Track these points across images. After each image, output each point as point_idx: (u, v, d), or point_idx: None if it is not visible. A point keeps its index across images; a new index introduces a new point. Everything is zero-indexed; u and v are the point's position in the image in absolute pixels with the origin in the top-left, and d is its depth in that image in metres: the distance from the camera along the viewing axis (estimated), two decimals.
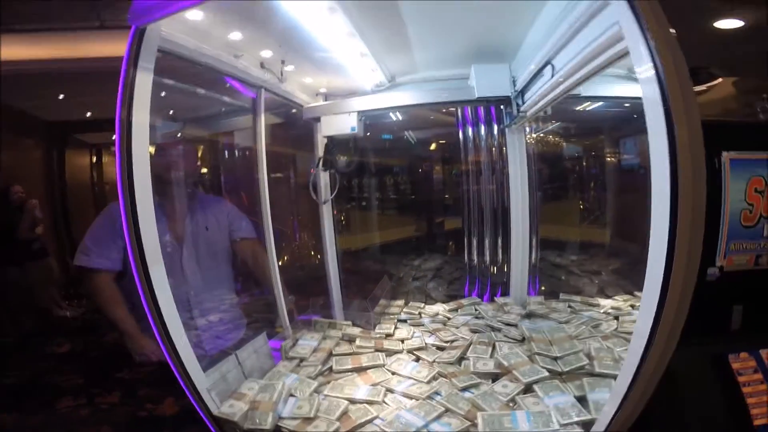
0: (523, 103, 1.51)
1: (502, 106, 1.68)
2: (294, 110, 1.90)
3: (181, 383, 1.20)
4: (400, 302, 1.98)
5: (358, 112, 1.74)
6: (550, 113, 1.65)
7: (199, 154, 1.92)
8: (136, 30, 1.03)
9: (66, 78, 3.76)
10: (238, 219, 1.98)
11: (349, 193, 2.10)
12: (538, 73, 1.23)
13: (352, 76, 1.66)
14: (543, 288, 1.99)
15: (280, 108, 2.01)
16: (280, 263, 2.62)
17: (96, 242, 1.69)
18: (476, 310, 1.82)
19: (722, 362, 1.00)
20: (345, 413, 1.19)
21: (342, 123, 1.75)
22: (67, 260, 5.81)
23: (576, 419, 1.04)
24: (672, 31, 0.64)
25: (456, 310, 1.86)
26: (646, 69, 0.66)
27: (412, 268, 2.37)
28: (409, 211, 2.74)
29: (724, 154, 1.01)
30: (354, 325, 1.72)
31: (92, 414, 2.71)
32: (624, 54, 0.75)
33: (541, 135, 2.43)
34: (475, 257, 2.08)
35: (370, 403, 1.24)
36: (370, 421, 1.16)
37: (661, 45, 0.63)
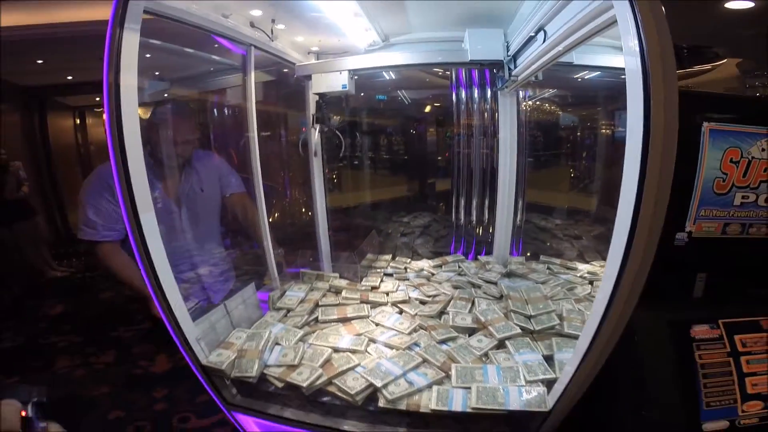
0: (515, 67, 1.49)
1: (495, 70, 1.65)
2: (286, 69, 1.86)
3: (172, 334, 1.25)
4: (388, 257, 2.04)
5: (350, 71, 1.72)
6: (541, 78, 1.64)
7: (193, 116, 1.87)
8: None
9: (44, 44, 3.63)
10: (228, 174, 1.98)
11: (340, 151, 2.08)
12: (531, 39, 1.20)
13: (345, 35, 1.62)
14: (527, 250, 2.06)
15: (272, 66, 1.95)
16: (271, 219, 2.66)
17: (98, 214, 1.68)
18: (459, 267, 1.88)
19: (683, 330, 1.06)
20: (328, 361, 1.27)
21: (333, 81, 1.74)
22: (56, 219, 5.81)
23: (541, 377, 1.13)
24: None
25: (440, 266, 1.93)
26: (630, 38, 0.65)
27: (401, 224, 2.41)
28: (401, 171, 2.75)
29: (705, 124, 1.02)
30: (341, 277, 1.78)
31: (89, 374, 2.77)
32: (612, 22, 0.73)
33: (537, 102, 2.40)
34: (462, 217, 2.13)
35: (353, 352, 1.32)
36: (351, 369, 1.24)
37: (645, 16, 0.61)
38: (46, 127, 5.93)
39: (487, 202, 2.04)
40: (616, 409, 1.08)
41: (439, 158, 2.62)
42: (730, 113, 1.03)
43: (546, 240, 2.12)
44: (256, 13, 1.41)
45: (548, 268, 1.81)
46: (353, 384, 1.18)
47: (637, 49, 0.65)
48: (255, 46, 1.52)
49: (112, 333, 3.20)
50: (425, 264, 1.94)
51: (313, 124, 1.91)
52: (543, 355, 1.23)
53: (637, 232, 0.74)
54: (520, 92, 1.90)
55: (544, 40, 1.07)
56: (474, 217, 2.10)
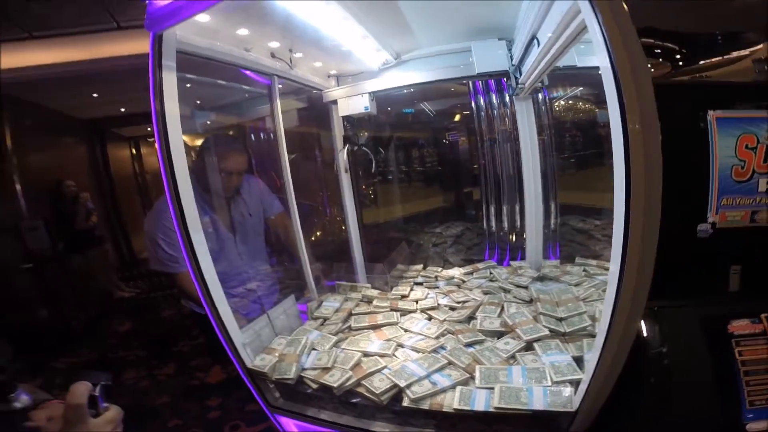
0: (521, 75, 1.52)
1: (504, 79, 1.69)
2: (316, 92, 2.01)
3: (222, 340, 1.40)
4: (419, 267, 2.09)
5: (370, 93, 1.85)
6: (547, 83, 1.65)
7: (243, 148, 2.06)
8: (155, 36, 1.16)
9: (93, 78, 3.98)
10: (269, 197, 2.17)
11: (372, 167, 2.19)
12: (528, 47, 1.23)
13: (358, 57, 1.74)
14: (565, 253, 2.00)
15: (300, 92, 2.13)
16: (312, 237, 2.81)
17: (174, 247, 1.84)
18: (491, 273, 1.88)
19: (719, 326, 1.00)
20: (358, 364, 1.34)
21: (356, 104, 1.88)
22: (121, 245, 6.44)
23: (569, 378, 1.11)
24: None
25: (471, 273, 1.94)
26: (597, 39, 0.68)
27: (433, 235, 2.45)
28: (435, 182, 2.79)
29: (710, 113, 0.98)
30: (373, 287, 1.85)
31: (153, 385, 3.04)
32: (583, 29, 0.76)
33: (570, 102, 2.36)
34: (493, 224, 2.13)
35: (382, 355, 1.38)
36: (379, 371, 1.30)
37: (606, 17, 0.64)
38: (107, 158, 6.56)
39: (517, 208, 2.03)
40: (645, 410, 1.02)
41: (474, 167, 2.63)
42: (741, 99, 0.99)
43: (583, 242, 2.05)
44: (274, 44, 1.56)
45: (584, 270, 1.75)
46: (379, 384, 1.23)
47: (605, 51, 0.67)
48: (278, 75, 1.68)
49: (173, 348, 3.49)
50: (456, 272, 1.96)
51: (343, 145, 2.06)
52: (573, 357, 1.21)
53: (630, 225, 0.74)
54: (543, 94, 1.90)
55: (538, 47, 1.10)
56: (506, 224, 2.09)
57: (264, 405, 1.46)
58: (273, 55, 1.64)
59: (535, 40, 1.12)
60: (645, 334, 1.03)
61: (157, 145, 1.22)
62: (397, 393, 1.22)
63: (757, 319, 0.99)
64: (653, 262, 0.79)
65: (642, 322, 1.03)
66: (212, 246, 1.84)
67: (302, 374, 1.36)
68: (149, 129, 2.48)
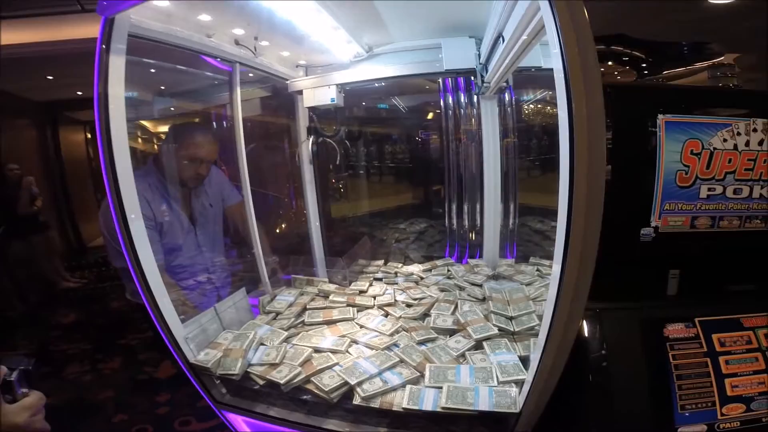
0: (487, 73, 1.52)
1: (472, 78, 1.70)
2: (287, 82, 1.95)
3: (162, 334, 1.33)
4: (379, 262, 2.07)
5: (338, 85, 1.80)
6: (511, 83, 1.67)
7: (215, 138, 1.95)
8: (106, 19, 1.10)
9: (52, 60, 3.83)
10: (229, 186, 2.07)
11: (337, 161, 2.15)
12: (494, 45, 1.24)
13: (328, 48, 1.70)
14: (522, 253, 2.05)
15: (268, 81, 2.05)
16: (277, 230, 2.73)
17: None
18: (448, 270, 1.90)
19: (656, 329, 1.04)
20: (308, 360, 1.31)
21: (322, 95, 1.83)
22: (68, 232, 6.06)
23: (514, 378, 1.13)
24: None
25: (430, 270, 1.94)
26: (553, 39, 0.68)
27: (397, 231, 2.44)
28: (399, 179, 2.78)
29: (660, 116, 1.01)
30: (331, 282, 1.82)
31: (97, 379, 2.88)
32: (543, 27, 0.76)
33: (536, 105, 2.40)
34: (455, 222, 2.14)
35: (334, 351, 1.35)
36: (330, 368, 1.27)
37: (563, 17, 0.64)
38: (59, 141, 6.19)
39: (478, 207, 2.05)
40: (586, 410, 1.05)
41: (441, 166, 2.64)
42: (687, 105, 1.02)
43: (539, 242, 2.10)
44: (239, 31, 1.49)
45: (537, 270, 1.79)
46: (329, 382, 1.21)
47: (558, 49, 0.67)
48: (240, 63, 1.60)
49: (120, 341, 3.33)
50: (415, 268, 1.96)
51: (307, 135, 2.00)
52: (520, 356, 1.23)
53: (572, 226, 0.75)
54: (509, 95, 1.92)
55: (503, 44, 1.10)
56: (466, 222, 2.11)
57: (210, 401, 1.41)
58: (237, 42, 1.57)
59: (501, 38, 1.11)
60: (586, 335, 1.05)
61: (97, 130, 1.13)
62: (348, 391, 1.20)
63: (691, 324, 1.04)
64: (593, 263, 0.80)
65: (584, 323, 1.05)
66: (173, 238, 1.76)
67: (249, 370, 1.31)
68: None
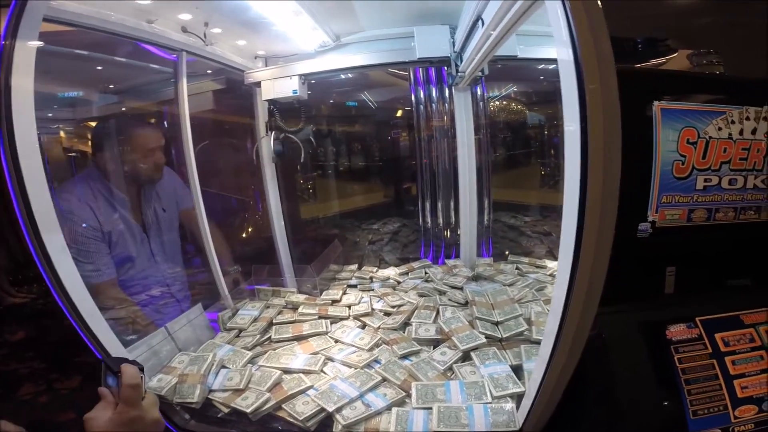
0: (462, 62, 1.43)
1: (444, 68, 1.60)
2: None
3: (101, 359, 1.12)
4: (353, 267, 1.94)
5: (300, 75, 1.65)
6: (486, 73, 1.59)
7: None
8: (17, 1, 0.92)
9: None
10: (181, 189, 1.84)
11: (300, 159, 1.98)
12: (471, 30, 1.14)
13: (290, 36, 1.55)
14: (498, 250, 1.99)
15: (222, 73, 1.85)
16: (243, 234, 2.51)
17: (90, 258, 1.45)
18: (426, 273, 1.79)
19: (658, 332, 0.97)
20: (277, 384, 1.16)
21: (283, 87, 1.66)
22: (11, 246, 5.46)
23: (509, 391, 1.04)
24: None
25: (407, 273, 1.83)
26: (557, 21, 0.58)
27: (370, 231, 2.31)
28: (370, 178, 2.65)
29: (656, 103, 0.95)
30: (300, 292, 1.66)
31: (55, 400, 2.65)
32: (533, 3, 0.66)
33: (504, 102, 2.35)
34: (429, 220, 2.04)
35: (306, 372, 1.21)
36: (303, 392, 1.13)
37: None
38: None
39: (452, 204, 1.96)
40: (592, 422, 0.98)
41: (413, 162, 2.55)
42: (682, 91, 0.97)
43: (515, 238, 2.05)
44: (186, 17, 1.31)
45: (517, 268, 1.73)
46: (303, 409, 1.07)
47: (566, 35, 0.57)
48: (188, 52, 1.41)
49: (76, 359, 3.01)
50: (391, 272, 1.85)
51: (266, 131, 1.82)
52: (511, 366, 1.14)
53: (586, 221, 0.66)
54: (482, 90, 1.85)
55: (482, 27, 1.00)
56: (441, 220, 2.02)
57: (173, 428, 1.22)
58: (184, 30, 1.37)
59: (480, 21, 1.01)
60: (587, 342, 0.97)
61: None
62: (326, 418, 1.06)
63: (692, 324, 0.99)
64: (605, 267, 0.71)
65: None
66: (124, 248, 1.52)
67: (210, 396, 1.15)
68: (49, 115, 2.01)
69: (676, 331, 0.95)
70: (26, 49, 0.93)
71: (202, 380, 1.15)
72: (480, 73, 1.54)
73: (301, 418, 1.04)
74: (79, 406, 2.43)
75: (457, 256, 1.93)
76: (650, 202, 0.99)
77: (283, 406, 1.09)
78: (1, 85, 0.89)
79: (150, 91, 1.92)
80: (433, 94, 1.86)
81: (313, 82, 1.79)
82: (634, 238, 1.01)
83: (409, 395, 1.08)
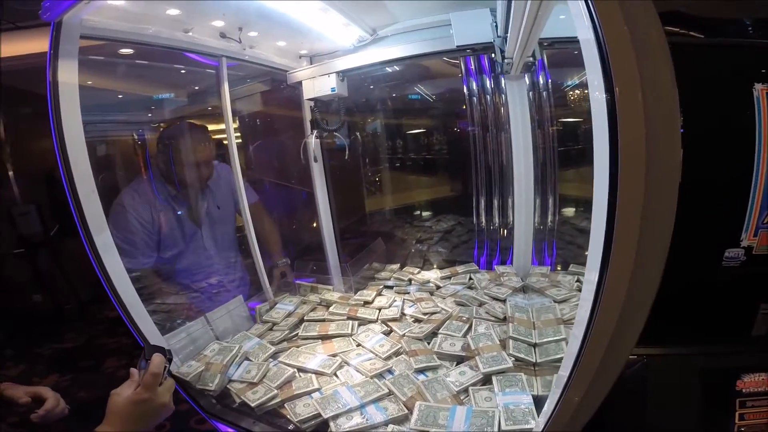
0: (507, 46, 1.23)
1: (492, 54, 1.41)
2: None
3: (141, 343, 1.26)
4: (395, 266, 1.86)
5: (338, 73, 1.62)
6: (538, 57, 1.34)
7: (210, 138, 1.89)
8: (55, 24, 1.04)
9: None
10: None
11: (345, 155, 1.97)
12: (509, 8, 0.95)
13: (325, 35, 1.52)
14: (562, 256, 1.72)
15: (267, 75, 1.91)
16: (293, 227, 2.61)
17: (135, 245, 1.63)
18: (470, 279, 1.64)
19: (725, 381, 0.73)
20: (288, 382, 1.17)
21: (322, 85, 1.65)
22: None
23: (520, 427, 0.89)
24: None
25: (449, 277, 1.70)
26: None
27: (421, 229, 2.21)
28: (425, 173, 2.53)
29: (758, 86, 0.67)
30: (335, 290, 1.66)
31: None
32: None
33: (578, 90, 2.02)
34: (483, 219, 1.86)
35: (319, 374, 1.19)
36: (308, 393, 1.12)
37: None
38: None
39: (510, 202, 1.75)
40: None
41: (469, 157, 2.36)
42: None
43: (584, 244, 1.75)
44: (219, 23, 1.36)
45: (577, 281, 1.47)
46: (301, 410, 1.06)
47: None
48: (227, 57, 1.48)
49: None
50: (433, 275, 1.73)
51: (311, 129, 1.84)
52: (535, 396, 0.97)
53: (615, 240, 0.51)
54: (545, 77, 1.60)
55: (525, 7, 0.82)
56: (497, 220, 1.82)
57: (200, 410, 1.33)
58: (222, 35, 1.44)
59: None
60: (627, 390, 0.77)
61: (54, 144, 1.07)
62: (321, 423, 1.03)
63: None
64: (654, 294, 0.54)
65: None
66: (176, 243, 1.71)
67: (229, 386, 1.21)
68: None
69: (751, 382, 0.69)
70: (69, 66, 1.06)
71: (223, 370, 1.21)
72: (531, 59, 1.32)
73: (296, 420, 1.03)
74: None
75: (512, 262, 1.73)
76: (747, 222, 0.72)
77: (286, 404, 1.09)
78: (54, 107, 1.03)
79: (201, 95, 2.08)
80: (487, 84, 1.67)
81: (360, 75, 1.75)
82: (718, 267, 0.75)
83: (410, 412, 0.99)
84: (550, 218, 1.72)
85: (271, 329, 1.48)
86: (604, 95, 0.52)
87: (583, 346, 0.64)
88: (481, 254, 1.91)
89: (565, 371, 0.70)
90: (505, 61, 1.35)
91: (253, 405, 1.10)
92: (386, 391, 1.08)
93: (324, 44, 1.64)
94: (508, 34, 1.21)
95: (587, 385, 0.66)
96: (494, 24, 1.34)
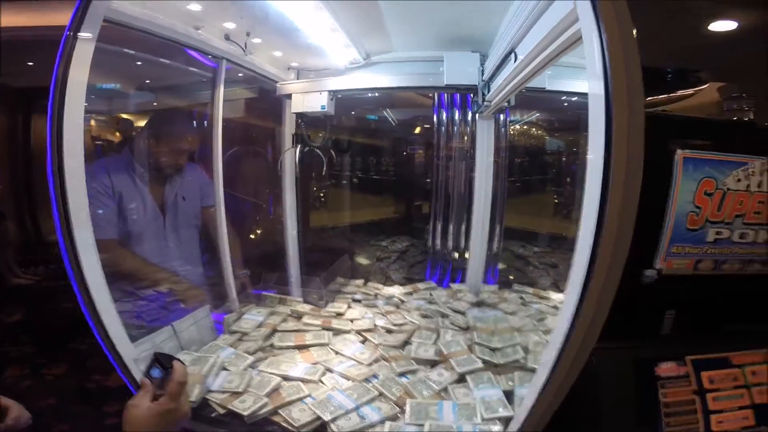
0: (489, 92, 1.47)
1: (470, 95, 1.65)
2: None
3: (108, 354, 1.17)
4: (359, 282, 1.96)
5: (330, 92, 1.71)
6: (513, 104, 1.63)
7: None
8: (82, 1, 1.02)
9: (37, 45, 3.60)
10: (208, 188, 1.92)
11: (322, 170, 2.04)
12: (503, 61, 1.18)
13: (324, 51, 1.62)
14: (504, 278, 1.99)
15: (255, 82, 1.93)
16: (253, 236, 2.58)
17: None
18: (431, 294, 1.81)
19: (647, 368, 0.99)
20: (276, 390, 1.18)
21: (312, 101, 1.73)
22: (27, 224, 5.61)
23: (499, 414, 1.05)
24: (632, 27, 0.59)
25: (411, 293, 1.85)
26: (592, 54, 0.61)
27: (379, 248, 2.34)
28: (388, 192, 2.70)
29: (678, 152, 0.97)
30: (305, 302, 1.69)
31: (38, 385, 2.63)
32: (577, 39, 0.70)
33: (524, 126, 2.39)
34: (438, 242, 2.07)
35: (305, 381, 1.23)
36: (300, 399, 1.15)
37: (611, 28, 0.58)
38: (29, 130, 5.79)
39: (464, 228, 1.99)
40: None
41: (427, 180, 2.58)
42: (706, 139, 0.99)
43: (521, 267, 2.06)
44: (230, 25, 1.39)
45: (521, 298, 1.74)
46: (299, 416, 1.09)
47: (600, 68, 0.61)
48: (228, 60, 1.50)
49: (69, 345, 3.04)
50: (396, 290, 1.87)
51: (293, 143, 1.89)
52: (504, 391, 1.15)
53: (597, 263, 0.69)
54: (503, 116, 1.89)
55: (515, 62, 1.04)
56: (450, 243, 2.04)
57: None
58: (227, 38, 1.46)
59: (513, 54, 1.05)
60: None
61: (48, 117, 0.99)
62: (320, 426, 1.08)
63: (682, 362, 1.00)
64: (608, 305, 0.73)
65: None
66: (137, 224, 1.60)
67: (207, 396, 1.17)
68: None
69: (665, 369, 0.97)
70: (85, 45, 1.02)
71: (203, 380, 1.18)
72: (506, 104, 1.58)
73: (296, 425, 1.06)
74: (63, 393, 2.46)
75: (463, 280, 1.95)
76: (659, 251, 1.00)
77: (280, 411, 1.11)
78: (61, 77, 0.97)
79: (188, 93, 2.02)
80: (456, 116, 1.91)
81: (339, 96, 1.86)
82: (639, 283, 1.02)
83: (402, 411, 1.09)
84: (495, 244, 2.00)
85: (240, 339, 1.46)
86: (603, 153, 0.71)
87: (566, 340, 0.83)
88: (434, 273, 2.11)
89: (546, 364, 0.88)
90: (485, 103, 1.57)
91: (245, 414, 1.09)
92: (376, 393, 1.17)
93: (316, 60, 1.72)
94: (494, 82, 1.44)
95: (566, 371, 0.85)
96: (481, 69, 1.56)
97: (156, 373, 0.96)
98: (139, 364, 1.19)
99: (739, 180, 1.01)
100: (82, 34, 1.02)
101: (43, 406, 2.37)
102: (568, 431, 1.01)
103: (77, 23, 1.02)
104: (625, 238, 0.71)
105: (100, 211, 1.49)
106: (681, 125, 1.08)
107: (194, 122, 1.95)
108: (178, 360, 0.99)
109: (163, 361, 0.98)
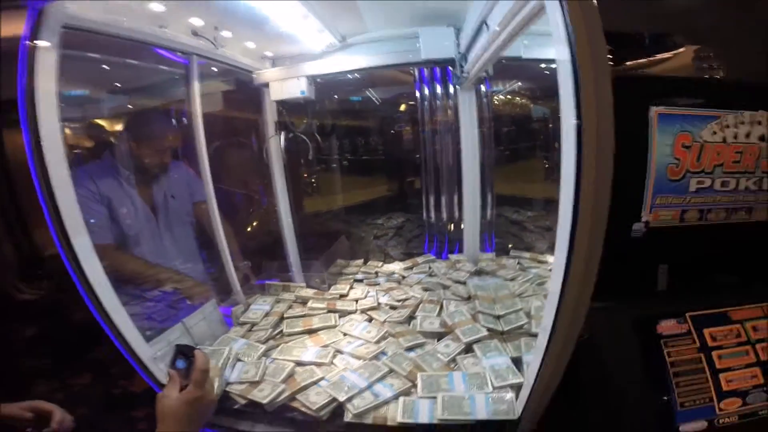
0: (467, 63, 1.46)
1: (449, 68, 1.63)
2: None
3: (126, 356, 1.20)
4: (359, 262, 2.00)
5: (308, 77, 1.69)
6: (491, 73, 1.62)
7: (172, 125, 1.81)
8: (36, 10, 0.98)
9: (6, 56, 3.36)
10: (196, 183, 1.91)
11: (309, 155, 2.03)
12: (476, 34, 1.17)
13: (298, 38, 1.58)
14: (501, 245, 2.04)
15: (231, 75, 1.88)
16: (248, 228, 2.58)
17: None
18: (430, 268, 1.85)
19: (649, 327, 1.03)
20: (291, 376, 1.23)
21: (291, 87, 1.70)
22: (21, 241, 5.51)
23: (509, 382, 1.10)
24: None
25: (411, 268, 1.89)
26: (556, 25, 0.62)
27: (375, 227, 2.36)
28: (374, 172, 2.69)
29: (653, 108, 0.99)
30: (308, 286, 1.72)
31: (68, 397, 2.63)
32: (540, 9, 0.70)
33: (508, 97, 2.37)
34: (432, 215, 2.09)
35: (318, 365, 1.27)
36: (315, 383, 1.20)
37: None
38: (2, 144, 5.67)
39: (456, 199, 2.01)
40: (585, 413, 1.04)
41: (416, 156, 2.59)
42: (679, 96, 1.00)
43: (517, 233, 2.10)
44: (197, 21, 1.34)
45: (518, 263, 1.78)
46: (316, 399, 1.13)
47: (564, 35, 0.61)
48: (198, 55, 1.45)
49: (87, 355, 3.08)
50: (396, 267, 1.90)
51: (276, 130, 1.86)
52: (512, 358, 1.20)
53: (580, 217, 0.72)
54: (485, 86, 1.88)
55: (488, 32, 1.03)
56: (444, 215, 2.07)
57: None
58: (195, 33, 1.41)
59: (485, 25, 1.04)
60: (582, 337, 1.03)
61: (24, 136, 0.97)
62: (338, 408, 1.13)
63: (682, 319, 1.04)
64: (598, 256, 0.76)
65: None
66: (131, 227, 1.62)
67: (227, 389, 1.22)
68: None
69: (667, 326, 1.01)
70: (48, 55, 0.99)
71: (220, 373, 1.22)
72: (485, 73, 1.57)
73: (314, 408, 1.11)
74: (92, 402, 2.51)
75: (461, 251, 1.99)
76: (644, 203, 1.04)
77: (297, 396, 1.16)
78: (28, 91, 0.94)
79: (163, 92, 1.97)
80: (438, 90, 1.89)
81: (319, 80, 1.83)
82: (629, 238, 1.06)
83: (414, 385, 1.14)
84: (489, 212, 2.03)
85: (250, 330, 1.50)
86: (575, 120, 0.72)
87: (560, 302, 0.86)
88: (432, 247, 2.14)
89: (546, 327, 0.92)
90: (463, 74, 1.56)
91: (264, 402, 1.13)
92: (387, 369, 1.21)
93: (291, 47, 1.68)
94: (471, 54, 1.43)
95: (565, 330, 0.89)
96: (457, 42, 1.55)
97: (180, 364, 0.99)
98: (158, 362, 1.23)
99: (714, 133, 1.04)
100: (40, 43, 0.99)
101: (77, 416, 2.45)
102: (578, 396, 1.06)
103: (34, 32, 0.98)
104: (604, 190, 0.73)
105: (93, 221, 1.48)
106: (657, 84, 1.10)
107: (173, 120, 1.91)
108: (192, 349, 1.02)
109: (186, 352, 1.01)
